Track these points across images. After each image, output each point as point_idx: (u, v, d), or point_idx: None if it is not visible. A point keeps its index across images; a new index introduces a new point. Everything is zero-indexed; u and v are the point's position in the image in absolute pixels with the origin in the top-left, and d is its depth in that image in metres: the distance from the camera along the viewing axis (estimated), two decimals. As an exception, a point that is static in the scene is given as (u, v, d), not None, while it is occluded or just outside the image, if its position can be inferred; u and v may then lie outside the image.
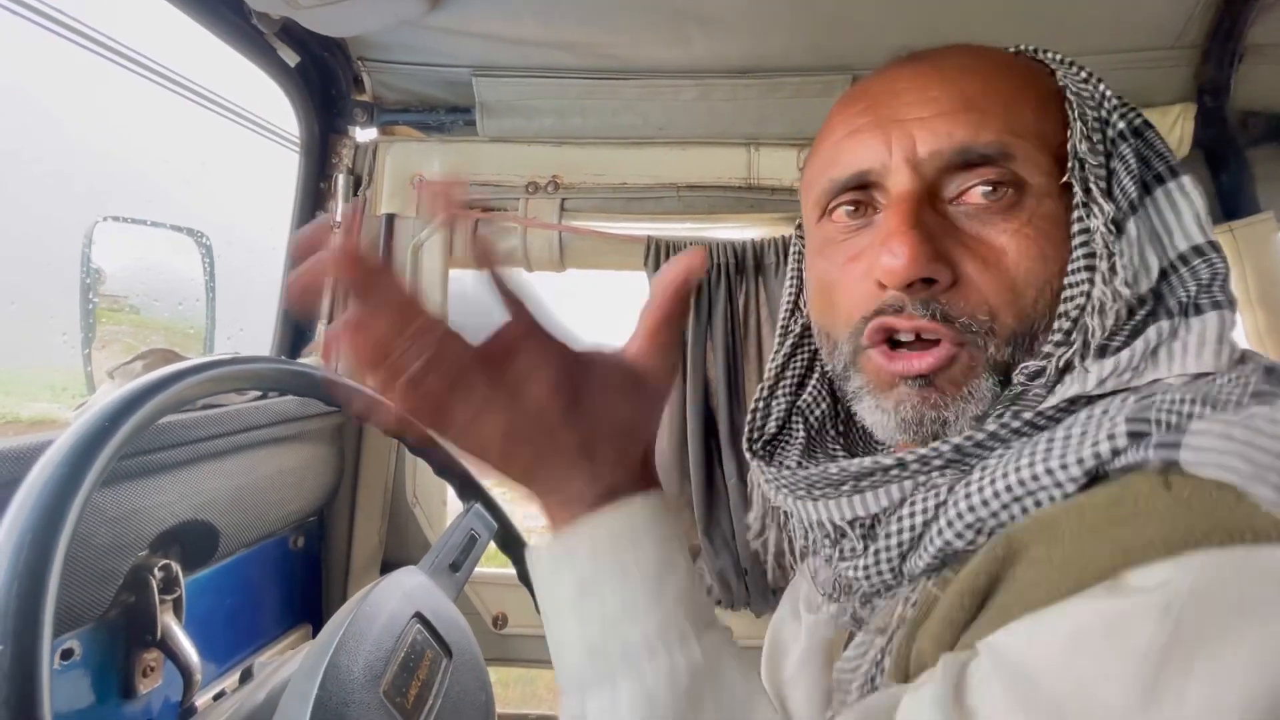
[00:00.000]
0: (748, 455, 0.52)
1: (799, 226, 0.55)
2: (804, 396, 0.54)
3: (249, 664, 0.70)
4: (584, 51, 0.90)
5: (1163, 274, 0.39)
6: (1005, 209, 0.39)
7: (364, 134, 1.03)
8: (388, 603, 0.53)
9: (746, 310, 0.97)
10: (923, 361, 0.40)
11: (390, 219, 1.02)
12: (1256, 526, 0.27)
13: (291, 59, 0.90)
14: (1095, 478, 0.33)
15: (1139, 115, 0.43)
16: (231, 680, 0.77)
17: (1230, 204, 0.91)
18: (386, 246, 1.01)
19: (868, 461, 0.41)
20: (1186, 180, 0.41)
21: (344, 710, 0.42)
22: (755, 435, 0.54)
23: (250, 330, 1.03)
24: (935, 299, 0.39)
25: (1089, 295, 0.38)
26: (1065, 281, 0.39)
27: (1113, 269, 0.38)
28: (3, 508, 0.32)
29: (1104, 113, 0.42)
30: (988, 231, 0.39)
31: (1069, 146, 0.39)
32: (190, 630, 0.66)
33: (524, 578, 0.75)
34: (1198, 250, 0.39)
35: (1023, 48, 0.46)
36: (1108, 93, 0.42)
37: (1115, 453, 0.33)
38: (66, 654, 0.58)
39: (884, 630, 0.40)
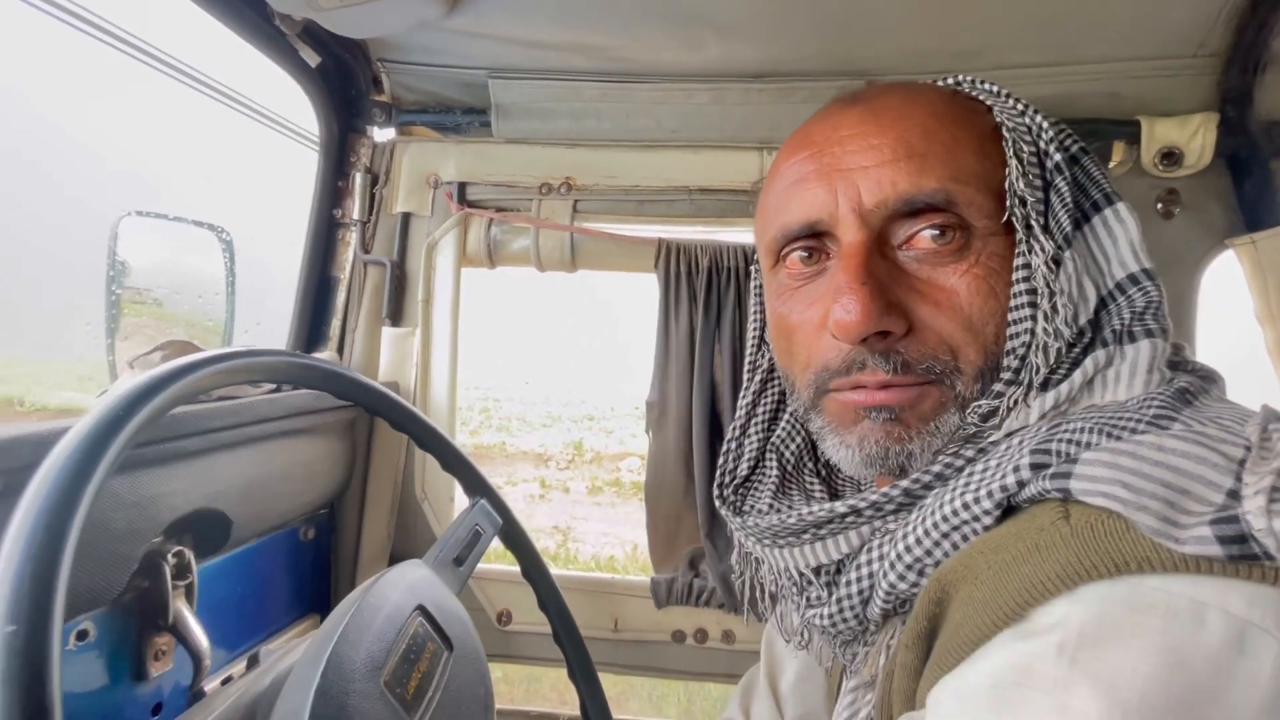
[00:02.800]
0: (717, 503, 0.53)
1: (756, 259, 0.54)
2: (778, 432, 0.55)
3: (255, 652, 0.72)
4: (599, 55, 0.91)
5: (1101, 302, 0.40)
6: (953, 252, 0.40)
7: (382, 134, 1.04)
8: (391, 595, 0.53)
9: (756, 314, 0.97)
10: (887, 395, 0.40)
11: (406, 218, 1.03)
12: (1139, 556, 0.28)
13: (313, 59, 0.92)
14: (1009, 508, 0.35)
15: (1076, 142, 0.43)
16: (240, 666, 0.78)
17: (1253, 215, 0.90)
18: (401, 245, 1.03)
19: (823, 510, 0.42)
20: (1122, 207, 0.41)
21: (344, 699, 0.43)
22: (726, 480, 0.54)
23: (267, 325, 1.05)
24: (893, 349, 0.40)
25: (1033, 333, 0.39)
26: (1010, 318, 0.40)
27: (1054, 308, 0.38)
28: (23, 491, 0.33)
29: (1042, 144, 0.42)
30: (937, 275, 0.40)
31: (1007, 184, 0.40)
32: (201, 617, 0.67)
33: (527, 574, 0.76)
34: (1133, 278, 0.40)
35: (961, 82, 0.47)
36: (1044, 124, 0.42)
37: (1020, 484, 0.34)
38: (81, 635, 0.60)
39: (872, 684, 0.42)
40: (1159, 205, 0.92)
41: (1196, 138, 0.89)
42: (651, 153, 0.99)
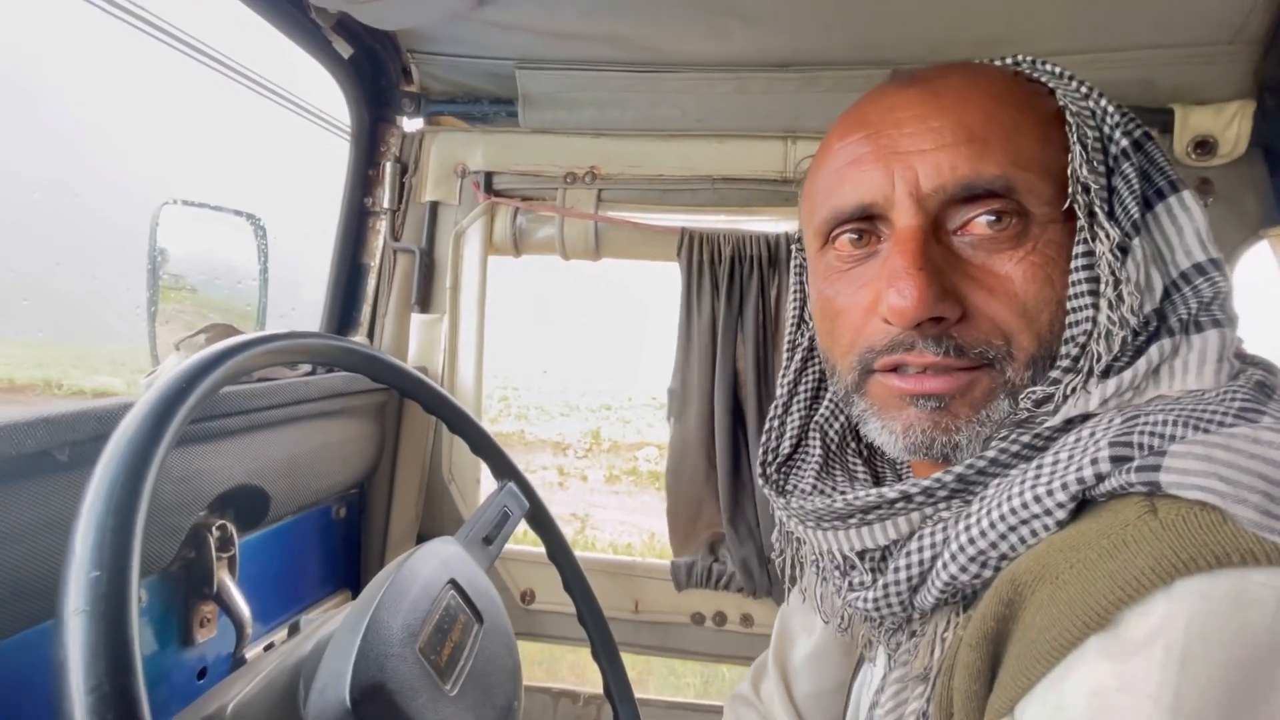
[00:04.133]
0: (760, 481, 0.53)
1: (799, 240, 0.54)
2: (820, 411, 0.54)
3: (295, 621, 0.75)
4: (624, 45, 0.92)
5: (1165, 292, 0.39)
6: (1010, 239, 0.39)
7: (411, 124, 1.06)
8: (425, 568, 0.56)
9: (779, 303, 0.98)
10: (936, 383, 0.40)
11: (434, 206, 1.05)
12: (1242, 548, 0.27)
13: (345, 51, 0.94)
14: (1084, 502, 0.34)
15: (1139, 127, 0.42)
16: (279, 635, 0.82)
17: (1289, 205, 0.88)
18: (430, 234, 1.05)
19: (873, 495, 0.41)
20: (1187, 195, 0.40)
21: (384, 662, 0.46)
22: (769, 458, 0.53)
23: (300, 310, 1.09)
24: (946, 334, 0.39)
25: (1094, 321, 0.38)
26: (1070, 305, 0.39)
27: (1119, 296, 0.37)
28: (92, 460, 0.36)
29: (1106, 129, 0.41)
30: (993, 261, 0.39)
31: (1069, 171, 0.39)
32: (242, 587, 0.71)
33: (552, 556, 0.78)
34: (1199, 268, 0.39)
35: (1021, 62, 0.45)
36: (1109, 108, 0.41)
37: (1099, 478, 0.33)
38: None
39: (925, 677, 0.40)
40: (1191, 195, 0.91)
41: (1232, 126, 0.87)
42: (676, 142, 1.00)
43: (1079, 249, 0.39)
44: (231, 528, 0.70)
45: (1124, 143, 0.40)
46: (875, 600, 0.42)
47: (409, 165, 1.06)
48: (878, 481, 0.53)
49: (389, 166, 1.05)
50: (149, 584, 0.64)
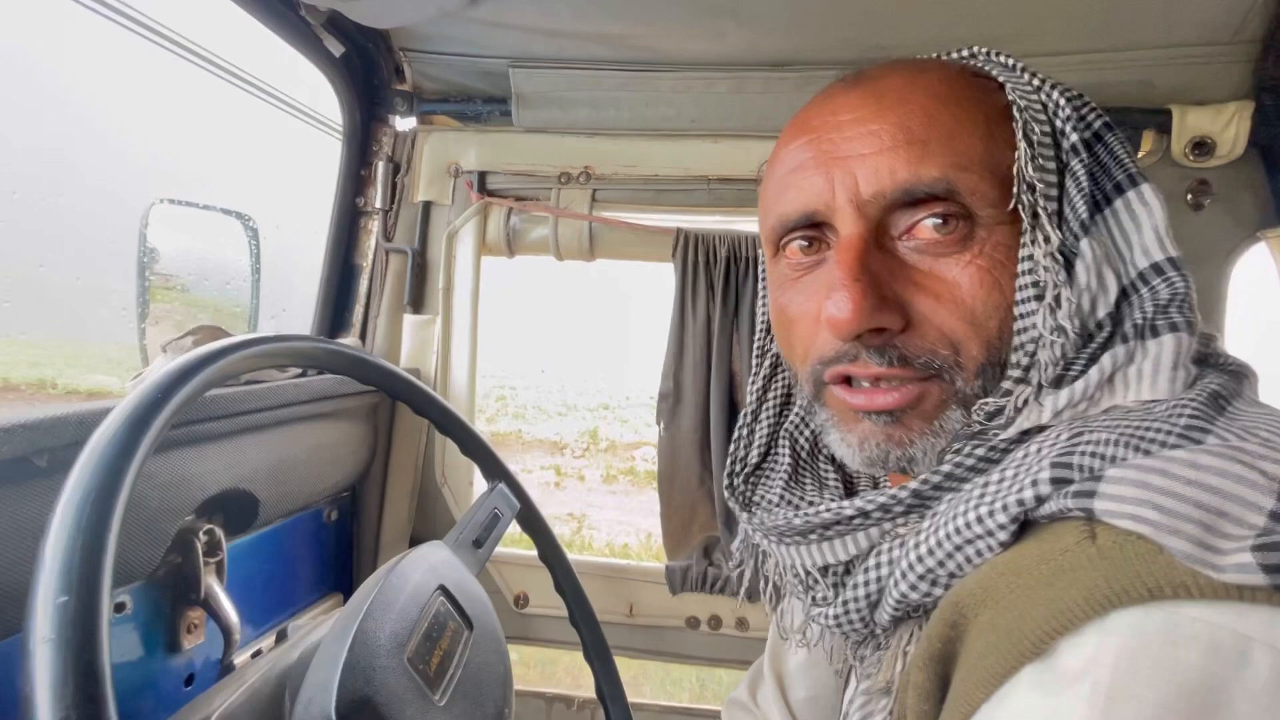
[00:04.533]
0: (726, 494, 0.52)
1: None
2: (790, 418, 0.53)
3: (284, 627, 0.74)
4: (619, 44, 0.91)
5: (1123, 293, 0.37)
6: (955, 243, 0.38)
7: (404, 123, 1.05)
8: (413, 575, 0.55)
9: (774, 305, 0.97)
10: (887, 398, 0.39)
11: (427, 206, 1.04)
12: (1175, 581, 0.27)
13: (337, 49, 0.93)
14: (1028, 522, 0.33)
15: (1100, 118, 0.41)
16: (268, 641, 0.81)
17: (1287, 207, 0.88)
18: (423, 234, 1.04)
19: (830, 511, 0.41)
20: (1147, 189, 0.38)
21: (370, 674, 0.45)
22: (737, 469, 0.52)
23: (292, 311, 1.07)
24: (890, 344, 0.38)
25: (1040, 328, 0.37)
26: (1016, 312, 0.38)
27: (1058, 301, 0.36)
28: (69, 465, 0.35)
29: (1058, 124, 0.39)
30: (939, 266, 0.38)
31: (1015, 170, 0.38)
32: (230, 593, 0.70)
33: (544, 557, 0.77)
34: (1157, 268, 0.37)
35: (976, 54, 0.44)
36: (1060, 100, 0.40)
37: (1039, 499, 0.32)
38: (119, 607, 0.62)
39: (887, 690, 0.40)
40: (1189, 196, 0.90)
41: (1230, 127, 0.87)
42: (671, 142, 0.99)
43: (1024, 252, 0.37)
44: (219, 532, 0.70)
45: (1074, 138, 0.39)
46: (837, 616, 0.42)
47: (401, 165, 1.05)
48: (850, 487, 0.52)
49: (381, 166, 1.04)
50: (134, 591, 0.63)
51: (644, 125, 0.99)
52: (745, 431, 0.54)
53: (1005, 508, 0.33)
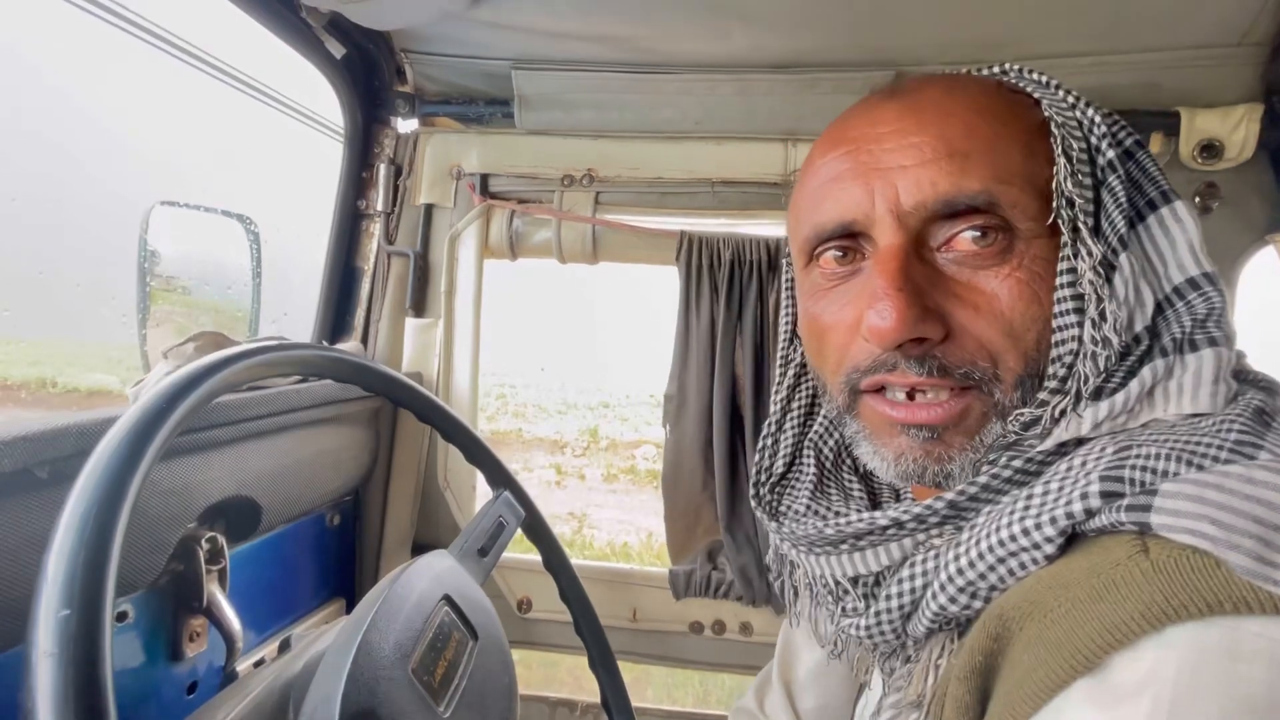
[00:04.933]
0: (753, 504, 0.52)
1: (789, 253, 0.53)
2: (814, 428, 0.53)
3: (287, 634, 0.74)
4: (623, 46, 0.90)
5: (1158, 307, 0.38)
6: (994, 255, 0.38)
7: (405, 125, 1.05)
8: (418, 584, 0.54)
9: (778, 308, 0.97)
10: (929, 413, 0.39)
11: (429, 209, 1.04)
12: (1234, 596, 0.26)
13: (338, 51, 0.93)
14: (1074, 536, 0.33)
15: (1130, 135, 0.41)
16: (270, 649, 0.81)
17: (1295, 210, 0.87)
18: (424, 237, 1.04)
19: (864, 521, 0.41)
20: (1180, 206, 0.39)
21: (375, 685, 0.44)
22: (763, 478, 0.53)
23: (293, 315, 1.07)
24: (929, 354, 0.38)
25: (1080, 340, 0.37)
26: (1055, 324, 0.38)
27: (1102, 314, 0.36)
28: (72, 477, 0.34)
29: (1093, 140, 0.40)
30: (978, 279, 0.38)
31: (1054, 185, 0.38)
32: (233, 600, 0.69)
33: (549, 565, 0.77)
34: (1192, 283, 0.37)
35: (1009, 71, 0.44)
36: (1096, 118, 0.40)
37: (1089, 513, 0.32)
38: (121, 616, 0.62)
39: (918, 704, 0.40)
40: (1197, 199, 0.90)
41: (1239, 130, 0.86)
42: (675, 144, 0.98)
43: (1063, 265, 0.38)
44: (222, 539, 0.69)
45: (1110, 154, 0.39)
46: (868, 627, 0.41)
47: (403, 167, 1.04)
48: (874, 499, 0.52)
49: (383, 169, 1.03)
50: (135, 599, 0.63)
51: (647, 127, 0.98)
52: (769, 441, 0.54)
53: (1054, 520, 0.32)
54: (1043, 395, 0.38)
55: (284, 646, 0.75)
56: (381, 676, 0.46)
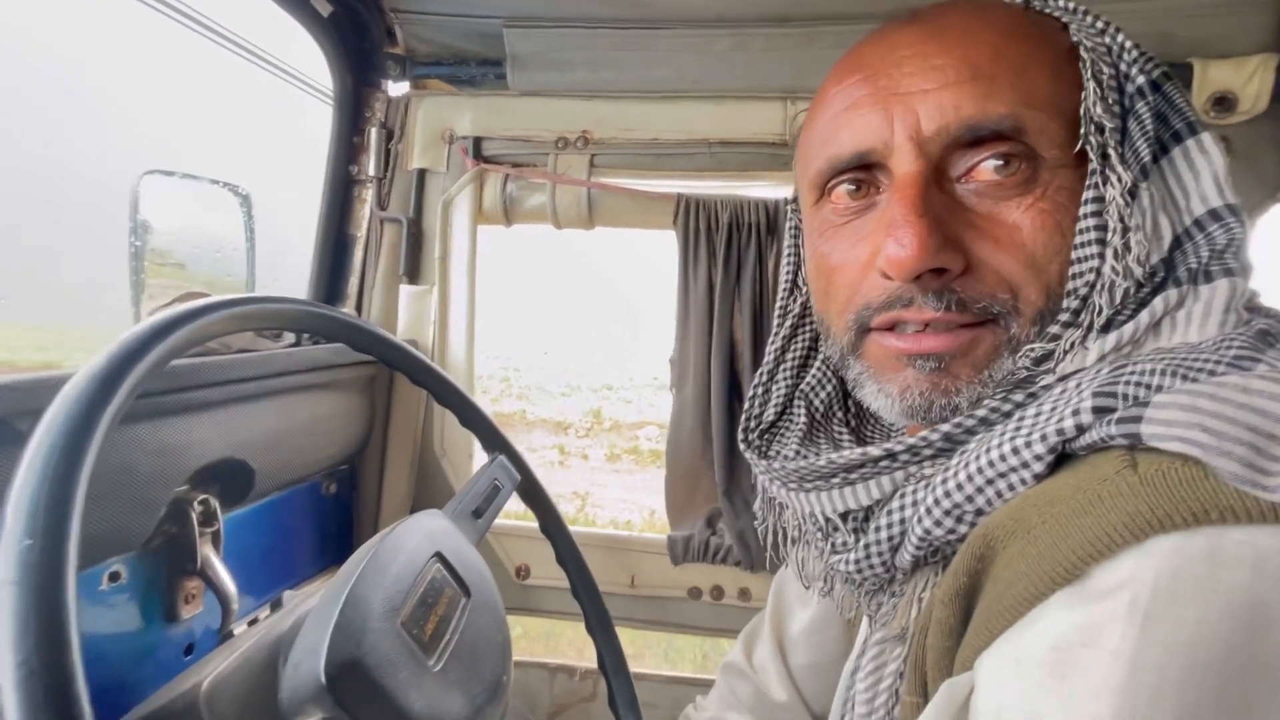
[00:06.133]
0: (741, 446, 0.51)
1: (794, 200, 0.52)
2: (807, 379, 0.53)
3: (278, 597, 0.74)
4: (616, 1, 0.87)
5: (1176, 241, 0.36)
6: (1018, 185, 0.37)
7: (396, 88, 1.02)
8: (408, 541, 0.54)
9: (777, 272, 0.95)
10: (936, 341, 0.38)
11: (422, 174, 1.02)
12: (1222, 505, 0.26)
13: (325, 9, 0.90)
14: (1064, 456, 0.32)
15: (1158, 67, 0.39)
16: (266, 611, 0.81)
17: (1309, 165, 0.84)
18: (418, 202, 1.02)
19: (856, 453, 0.40)
20: (1206, 138, 0.37)
21: (361, 636, 0.44)
22: (752, 424, 0.52)
23: (285, 280, 1.06)
24: (948, 288, 0.37)
25: (1099, 272, 0.36)
26: (1075, 255, 0.36)
27: (1127, 245, 0.35)
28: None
29: (1123, 67, 0.38)
30: (1000, 209, 0.37)
31: (1083, 110, 0.36)
32: (230, 565, 0.69)
33: (545, 529, 0.76)
34: (1214, 214, 0.36)
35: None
36: (1126, 43, 0.39)
37: (1080, 429, 0.31)
38: (114, 577, 0.62)
39: (902, 638, 0.40)
40: (1208, 155, 0.87)
41: (1253, 81, 0.83)
42: (671, 104, 0.96)
43: (1089, 194, 0.36)
44: (214, 502, 0.69)
45: (1140, 80, 0.38)
46: (857, 561, 0.41)
47: (395, 131, 1.02)
48: (860, 441, 0.51)
49: (374, 133, 1.01)
50: (128, 560, 0.62)
51: (643, 87, 0.96)
52: (760, 390, 0.53)
53: (1044, 438, 0.32)
54: (1054, 329, 0.36)
55: (276, 605, 0.76)
56: (369, 629, 0.45)
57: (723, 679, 0.71)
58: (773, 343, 0.54)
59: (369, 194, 1.02)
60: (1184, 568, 0.26)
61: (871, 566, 0.41)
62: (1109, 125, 0.36)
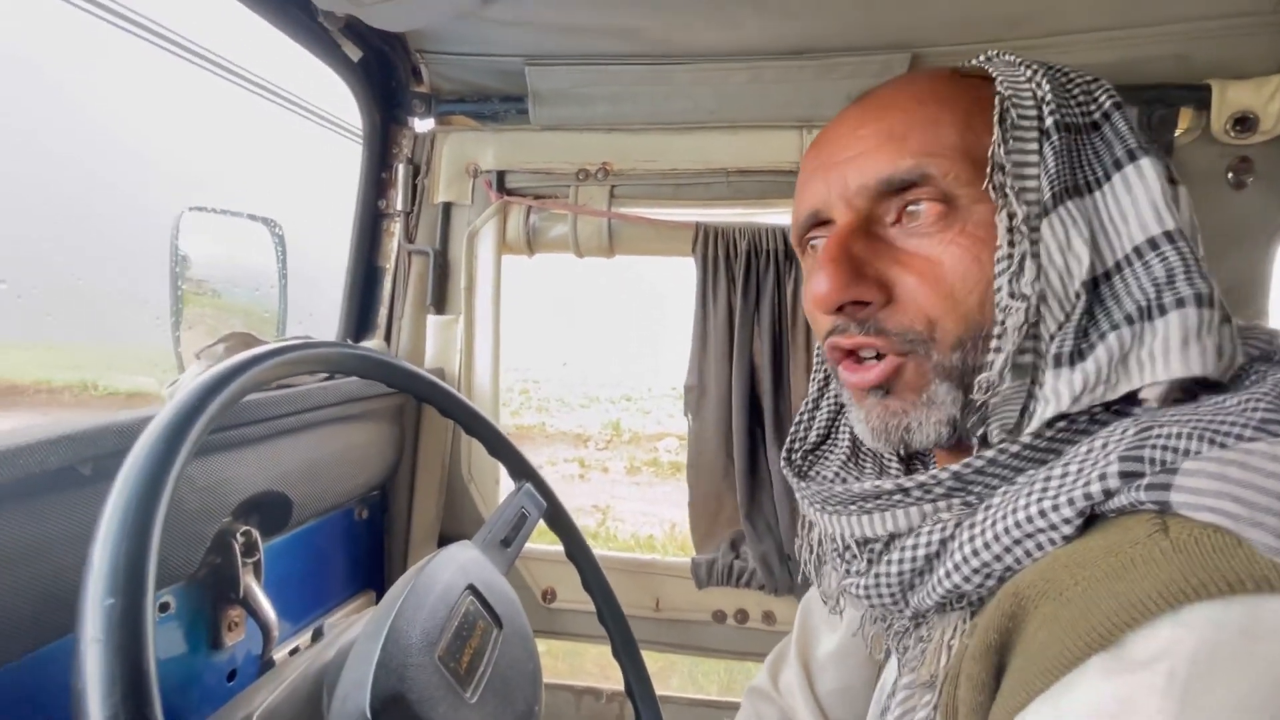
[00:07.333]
0: (783, 465, 0.54)
1: None
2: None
3: (320, 624, 0.76)
4: (634, 37, 0.90)
5: (1119, 267, 0.38)
6: (935, 222, 0.41)
7: (422, 124, 1.06)
8: (443, 575, 0.56)
9: (795, 297, 0.96)
10: (869, 373, 0.43)
11: (447, 207, 1.05)
12: (1257, 575, 0.26)
13: (355, 54, 0.94)
14: (1093, 517, 0.33)
15: (1110, 98, 0.42)
16: (304, 638, 0.83)
17: (1335, 184, 0.84)
18: (443, 234, 1.05)
19: (869, 485, 0.43)
20: (1145, 162, 0.38)
21: (403, 671, 0.46)
22: (796, 445, 0.56)
23: (318, 315, 1.09)
24: (871, 318, 0.42)
25: (1002, 294, 0.38)
26: (995, 285, 0.39)
27: (1021, 267, 0.38)
28: (114, 473, 0.36)
29: (1042, 110, 0.41)
30: (923, 246, 0.41)
31: (990, 153, 0.40)
32: (269, 591, 0.72)
33: (571, 555, 0.78)
34: (1152, 243, 0.37)
35: (992, 57, 0.46)
36: (1046, 85, 0.41)
37: (1107, 494, 0.32)
38: (163, 607, 0.65)
39: (931, 685, 0.40)
40: (1230, 174, 0.87)
41: (1274, 101, 0.83)
42: (689, 135, 0.98)
43: (1001, 226, 0.39)
44: (256, 533, 0.71)
45: (1048, 121, 0.40)
46: (866, 588, 0.43)
47: (421, 166, 1.06)
48: (909, 472, 0.53)
49: (401, 168, 1.05)
50: (176, 591, 0.65)
51: (661, 119, 0.98)
52: (806, 417, 0.57)
53: (1071, 501, 0.33)
54: (989, 356, 0.39)
55: (317, 635, 0.78)
56: (409, 663, 0.47)
57: (748, 703, 0.72)
58: (816, 373, 0.58)
59: (397, 227, 1.06)
60: (1221, 640, 0.26)
61: (880, 595, 0.42)
62: (1008, 165, 0.39)
